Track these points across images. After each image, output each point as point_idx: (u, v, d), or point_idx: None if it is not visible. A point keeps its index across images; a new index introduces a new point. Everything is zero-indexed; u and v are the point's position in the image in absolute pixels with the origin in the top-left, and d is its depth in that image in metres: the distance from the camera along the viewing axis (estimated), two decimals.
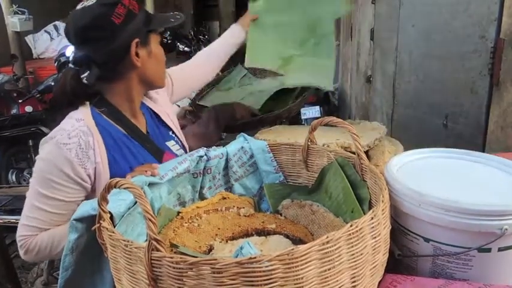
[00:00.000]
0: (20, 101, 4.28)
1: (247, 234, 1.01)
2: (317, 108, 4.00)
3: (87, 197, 1.07)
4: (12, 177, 3.88)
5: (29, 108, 4.25)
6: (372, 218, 0.71)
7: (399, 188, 0.82)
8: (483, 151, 1.83)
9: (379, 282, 0.78)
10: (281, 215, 1.08)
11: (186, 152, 1.29)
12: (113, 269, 0.74)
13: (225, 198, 1.12)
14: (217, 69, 1.63)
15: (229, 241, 0.98)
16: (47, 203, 1.02)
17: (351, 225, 0.67)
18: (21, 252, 1.05)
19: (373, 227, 0.71)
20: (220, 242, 0.97)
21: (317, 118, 3.39)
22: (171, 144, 1.26)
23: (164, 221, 1.01)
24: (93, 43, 1.06)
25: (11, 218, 2.10)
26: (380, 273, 0.76)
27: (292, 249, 0.62)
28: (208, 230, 1.00)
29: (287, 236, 0.98)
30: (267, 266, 0.61)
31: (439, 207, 0.75)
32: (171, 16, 1.20)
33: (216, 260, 0.61)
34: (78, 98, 1.11)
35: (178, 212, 1.04)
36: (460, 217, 0.73)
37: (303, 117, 3.92)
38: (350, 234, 0.67)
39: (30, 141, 3.79)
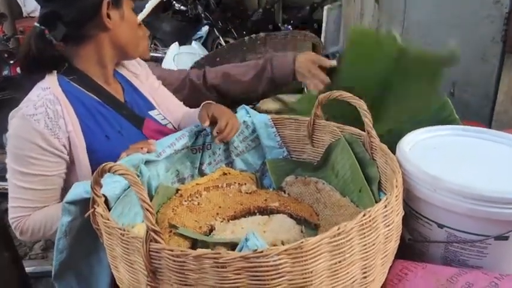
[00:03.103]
0: (11, 61, 4.14)
1: (249, 213, 0.97)
2: None
3: (69, 169, 1.02)
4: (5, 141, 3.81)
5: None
6: (386, 206, 0.66)
7: (413, 170, 0.77)
8: (490, 121, 1.78)
9: (389, 269, 0.74)
10: (284, 192, 1.04)
11: (172, 125, 1.22)
12: (109, 256, 0.70)
13: (226, 174, 1.07)
14: None
15: (230, 221, 0.94)
16: (29, 181, 0.96)
17: (363, 215, 0.63)
18: (16, 234, 1.01)
19: (386, 215, 0.66)
20: (221, 221, 0.93)
21: None
22: (154, 113, 1.18)
23: (162, 199, 0.96)
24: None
25: (5, 185, 2.06)
26: (390, 260, 0.73)
27: (302, 242, 0.57)
28: (209, 209, 0.96)
29: (291, 216, 0.94)
30: (274, 260, 0.57)
31: (457, 194, 0.70)
32: None
33: (219, 254, 0.56)
34: (45, 61, 1.03)
35: (177, 190, 0.99)
36: (479, 204, 0.69)
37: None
38: (363, 224, 0.62)
39: None
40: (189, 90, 1.58)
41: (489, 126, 1.74)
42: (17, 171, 0.97)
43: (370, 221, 0.63)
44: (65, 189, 1.01)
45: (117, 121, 1.08)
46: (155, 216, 0.60)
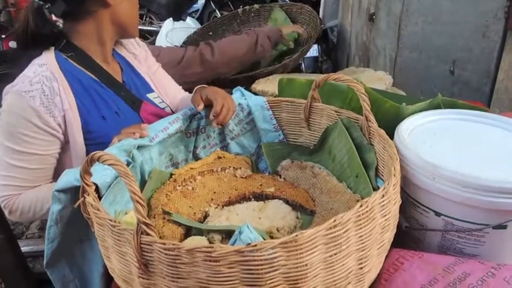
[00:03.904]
0: (3, 36, 4.03)
1: (244, 199, 0.96)
2: (315, 46, 3.81)
3: (63, 148, 1.00)
4: None
5: (13, 44, 4.02)
6: (383, 196, 0.64)
7: (411, 157, 0.75)
8: (490, 100, 1.75)
9: (385, 258, 0.73)
10: (280, 176, 1.02)
11: (170, 108, 1.19)
12: (101, 246, 0.69)
13: (220, 157, 1.05)
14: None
15: (225, 207, 0.93)
16: (21, 159, 0.94)
17: (360, 205, 0.61)
18: (5, 213, 0.99)
19: (383, 205, 0.65)
20: (216, 207, 0.91)
21: (315, 57, 3.14)
22: (152, 96, 1.16)
23: (156, 184, 0.94)
24: None
25: None
26: (387, 250, 0.72)
27: (297, 235, 0.56)
28: (203, 194, 0.95)
29: (287, 201, 0.93)
30: (269, 254, 0.55)
31: (456, 183, 0.68)
32: None
33: (212, 247, 0.55)
34: (43, 38, 1.00)
35: (171, 174, 0.98)
36: (479, 194, 0.67)
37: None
38: (359, 215, 0.61)
39: None
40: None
41: (489, 104, 1.71)
42: (9, 148, 0.94)
43: (367, 211, 0.61)
44: (58, 170, 1.00)
45: (114, 102, 1.06)
46: (146, 209, 0.59)
